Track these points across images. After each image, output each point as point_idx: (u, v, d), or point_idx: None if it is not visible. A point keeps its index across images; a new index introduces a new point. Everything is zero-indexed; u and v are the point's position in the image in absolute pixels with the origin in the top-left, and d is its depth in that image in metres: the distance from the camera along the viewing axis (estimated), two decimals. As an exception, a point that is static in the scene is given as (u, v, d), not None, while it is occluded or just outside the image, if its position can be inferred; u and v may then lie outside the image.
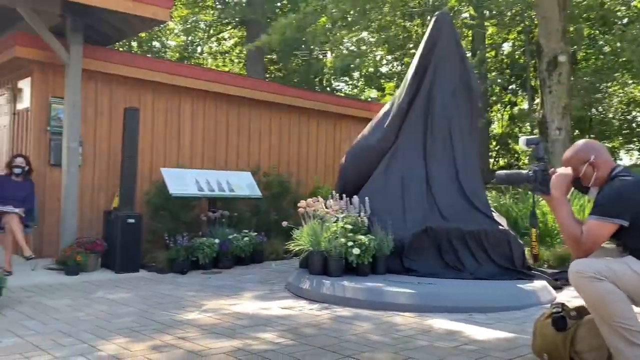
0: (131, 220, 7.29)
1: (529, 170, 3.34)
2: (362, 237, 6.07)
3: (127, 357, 3.66)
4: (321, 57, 19.72)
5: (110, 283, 6.49)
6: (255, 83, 10.68)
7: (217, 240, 7.68)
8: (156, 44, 19.83)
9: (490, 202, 7.46)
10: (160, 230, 7.93)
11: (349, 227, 6.16)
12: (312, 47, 17.28)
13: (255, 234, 8.30)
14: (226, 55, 21.80)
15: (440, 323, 4.75)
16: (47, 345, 3.92)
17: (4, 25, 8.52)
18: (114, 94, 8.45)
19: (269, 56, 18.62)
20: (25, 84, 8.11)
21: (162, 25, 15.10)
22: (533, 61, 15.34)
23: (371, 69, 18.84)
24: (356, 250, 5.92)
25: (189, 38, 20.21)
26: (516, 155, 21.33)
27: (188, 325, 4.55)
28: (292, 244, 6.41)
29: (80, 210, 7.63)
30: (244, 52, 19.05)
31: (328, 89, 20.53)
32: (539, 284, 5.90)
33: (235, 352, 3.82)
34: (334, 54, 16.37)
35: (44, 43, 7.24)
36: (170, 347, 3.90)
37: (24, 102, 8.11)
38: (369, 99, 20.16)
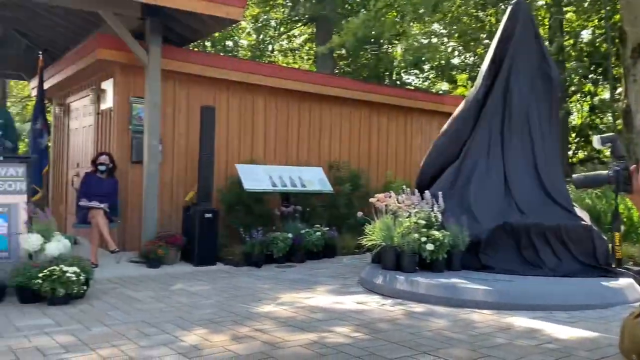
0: (208, 215, 7.51)
1: (609, 171, 3.17)
2: (436, 232, 5.99)
3: (208, 348, 3.78)
4: (390, 50, 19.54)
5: (189, 276, 6.72)
6: (325, 79, 10.73)
7: (290, 235, 7.79)
8: (229, 43, 20.28)
9: (571, 196, 7.16)
10: (235, 225, 8.13)
11: (422, 222, 6.09)
12: (381, 41, 17.14)
13: (327, 228, 8.36)
14: (296, 52, 22.00)
15: (519, 321, 4.62)
16: (132, 334, 4.11)
17: (86, 29, 8.96)
18: (191, 93, 8.73)
19: (338, 52, 18.63)
20: (108, 85, 8.51)
21: (235, 25, 15.40)
22: (615, 49, 14.56)
23: (442, 61, 18.48)
24: (430, 246, 5.84)
25: (260, 36, 20.54)
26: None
27: (264, 317, 4.65)
28: (365, 239, 6.40)
29: (160, 205, 7.92)
30: (314, 48, 19.16)
31: (398, 82, 20.32)
32: (624, 282, 5.62)
33: (311, 345, 3.87)
34: (403, 47, 16.16)
35: (125, 45, 7.56)
36: (248, 339, 4.00)
37: (107, 103, 8.51)
38: (440, 92, 19.80)
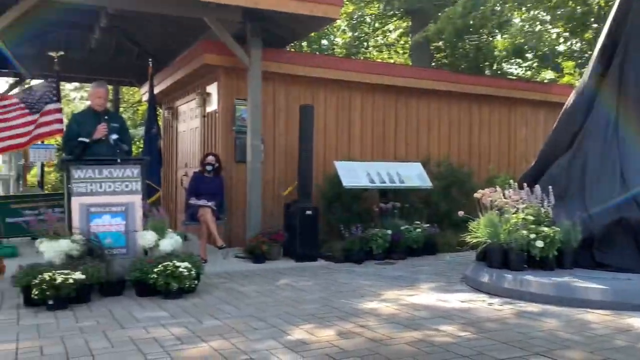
0: (309, 212, 7.64)
1: None
2: (546, 228, 5.71)
3: (314, 343, 3.84)
4: (490, 39, 18.86)
5: (292, 271, 6.86)
6: (422, 72, 10.56)
7: (389, 232, 7.75)
8: (324, 42, 20.46)
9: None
10: (334, 221, 8.20)
11: (531, 218, 5.83)
12: (481, 30, 16.59)
13: (428, 225, 8.23)
14: (391, 47, 21.81)
15: (640, 323, 4.31)
16: (241, 328, 4.25)
17: (191, 35, 9.36)
18: (289, 93, 8.91)
19: (434, 44, 18.25)
20: (212, 89, 8.87)
21: (331, 23, 15.53)
22: None
23: (547, 49, 17.56)
24: (540, 243, 5.59)
25: (355, 33, 20.55)
26: None
27: (368, 314, 4.65)
28: (468, 236, 6.22)
29: (263, 202, 8.13)
30: (409, 42, 18.90)
31: (499, 73, 19.58)
32: None
33: (416, 342, 3.82)
34: (504, 36, 15.51)
35: (228, 49, 7.83)
36: (353, 335, 4.02)
37: (212, 105, 8.88)
38: (546, 81, 18.87)
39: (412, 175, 8.69)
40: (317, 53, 17.54)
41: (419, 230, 8.03)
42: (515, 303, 5.04)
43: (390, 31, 21.41)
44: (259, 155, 8.03)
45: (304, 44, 19.06)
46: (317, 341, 3.87)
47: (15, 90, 10.66)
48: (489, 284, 5.54)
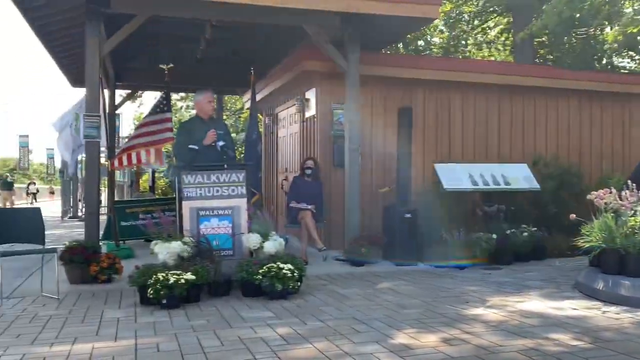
0: (408, 215, 7.57)
1: None
2: (669, 232, 5.29)
3: (418, 348, 3.78)
4: (599, 32, 17.76)
5: (392, 275, 6.81)
6: (526, 69, 10.15)
7: (494, 236, 7.50)
8: (420, 42, 20.18)
9: None
10: (434, 225, 8.03)
11: (651, 220, 5.42)
12: (590, 23, 15.68)
13: (535, 229, 7.87)
14: (491, 44, 21.12)
15: None
16: (344, 330, 4.27)
17: (288, 43, 9.56)
18: (387, 95, 8.87)
19: (538, 39, 17.46)
20: (311, 94, 9.01)
21: (430, 23, 15.29)
22: None
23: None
24: (661, 248, 5.18)
25: (453, 32, 20.11)
26: None
27: (474, 320, 4.52)
28: (580, 240, 5.88)
29: (361, 205, 8.13)
30: (510, 38, 18.21)
31: (609, 67, 18.39)
32: None
33: (527, 351, 3.66)
34: (615, 28, 14.50)
35: (326, 55, 7.92)
36: (459, 341, 3.92)
37: (311, 110, 9.02)
38: (662, 74, 17.48)
39: (518, 176, 8.37)
40: (414, 54, 17.34)
41: (525, 234, 7.71)
42: (634, 311, 4.71)
43: (490, 28, 20.75)
44: (357, 158, 8.04)
45: (400, 45, 18.91)
46: (421, 346, 3.81)
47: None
48: (604, 291, 5.21)
